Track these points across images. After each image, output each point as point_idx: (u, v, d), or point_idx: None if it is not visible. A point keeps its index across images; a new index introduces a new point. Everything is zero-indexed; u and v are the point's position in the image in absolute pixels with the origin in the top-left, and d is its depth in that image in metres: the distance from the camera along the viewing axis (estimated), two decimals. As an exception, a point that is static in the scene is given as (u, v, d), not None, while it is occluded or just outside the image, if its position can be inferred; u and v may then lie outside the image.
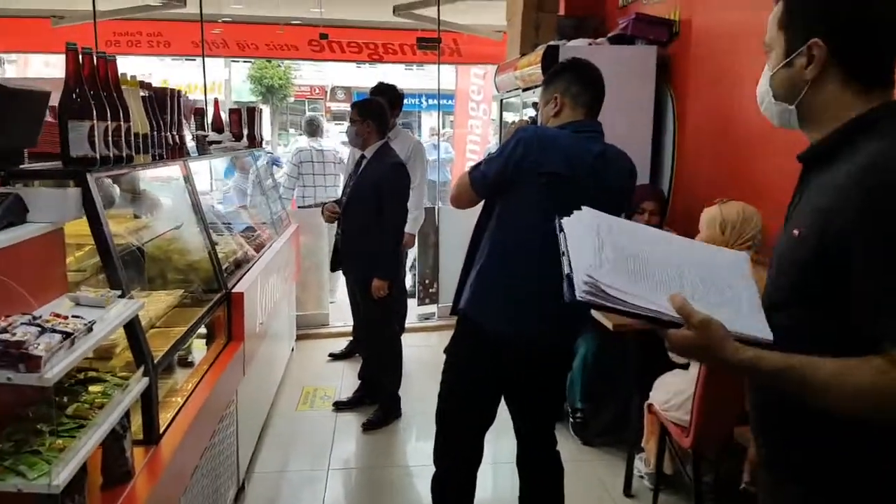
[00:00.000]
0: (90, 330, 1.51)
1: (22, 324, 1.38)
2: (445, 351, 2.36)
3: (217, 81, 15.82)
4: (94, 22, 4.43)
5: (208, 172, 4.44)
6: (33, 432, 1.44)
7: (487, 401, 2.29)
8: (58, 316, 1.50)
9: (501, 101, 4.74)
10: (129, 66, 2.18)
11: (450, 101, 8.46)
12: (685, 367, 2.64)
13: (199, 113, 3.82)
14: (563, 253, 1.09)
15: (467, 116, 8.87)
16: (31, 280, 1.66)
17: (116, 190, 2.91)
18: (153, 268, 2.85)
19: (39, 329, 1.36)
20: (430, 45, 5.18)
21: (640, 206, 3.27)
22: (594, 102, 2.18)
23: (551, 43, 3.58)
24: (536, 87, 3.83)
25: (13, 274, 1.57)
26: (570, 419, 3.42)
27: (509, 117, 4.75)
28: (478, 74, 8.47)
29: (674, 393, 2.60)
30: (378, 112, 3.49)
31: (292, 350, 4.68)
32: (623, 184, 2.21)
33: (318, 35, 5.80)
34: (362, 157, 3.57)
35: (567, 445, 3.34)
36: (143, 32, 5.76)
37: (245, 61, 17.20)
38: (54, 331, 1.38)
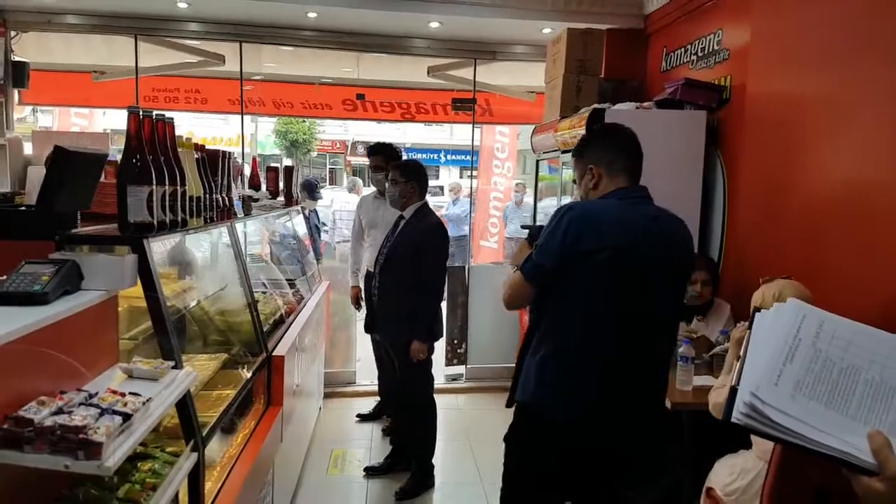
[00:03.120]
0: (148, 408, 1.43)
1: (80, 404, 1.30)
2: (505, 439, 2.15)
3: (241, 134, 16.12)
4: (136, 78, 4.50)
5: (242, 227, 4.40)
6: (84, 520, 1.34)
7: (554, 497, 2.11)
8: (114, 393, 1.42)
9: (538, 161, 4.72)
10: None
11: (464, 157, 8.47)
12: (748, 446, 2.48)
13: (237, 171, 3.84)
14: (740, 357, 0.92)
15: (491, 173, 8.90)
16: (85, 350, 1.59)
17: (163, 251, 2.87)
18: (195, 329, 2.79)
19: (99, 410, 1.28)
20: (466, 106, 5.21)
21: (691, 277, 3.16)
22: (633, 166, 2.04)
23: (597, 106, 3.55)
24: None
25: (67, 343, 1.50)
26: (616, 497, 3.24)
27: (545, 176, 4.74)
28: (503, 132, 8.53)
29: (739, 473, 2.42)
30: (421, 173, 3.48)
31: (320, 409, 4.56)
32: (687, 250, 2.08)
33: (355, 95, 5.87)
34: (400, 216, 3.52)
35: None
36: (181, 89, 5.87)
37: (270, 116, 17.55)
38: (114, 412, 1.30)
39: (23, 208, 1.84)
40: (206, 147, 2.42)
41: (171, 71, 5.38)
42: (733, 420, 0.85)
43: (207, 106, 5.95)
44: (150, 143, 1.82)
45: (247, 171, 4.05)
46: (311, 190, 6.25)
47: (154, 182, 1.79)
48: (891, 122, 2.45)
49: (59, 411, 1.27)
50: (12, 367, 1.27)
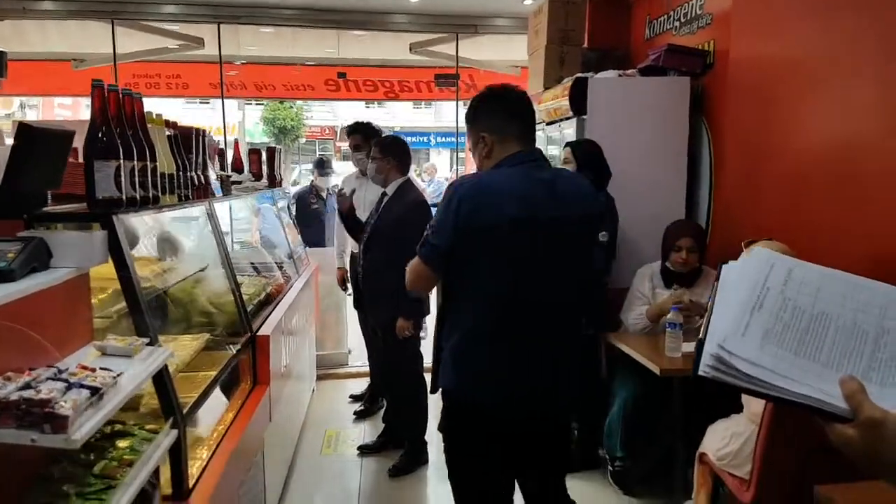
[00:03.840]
0: (119, 383, 1.41)
1: (47, 378, 1.27)
2: (439, 429, 2.08)
3: (231, 123, 16.02)
4: (115, 64, 4.44)
5: (227, 212, 4.37)
6: (59, 495, 1.32)
7: (499, 477, 2.04)
8: (85, 368, 1.39)
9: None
10: (148, 108, 2.15)
11: (454, 139, 8.41)
12: (739, 411, 2.48)
13: (220, 153, 3.80)
14: (707, 310, 0.89)
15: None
16: (56, 328, 1.56)
17: (140, 231, 2.84)
18: (177, 310, 2.76)
19: (66, 384, 1.25)
20: (448, 82, 5.15)
21: (676, 243, 3.14)
22: (525, 130, 1.93)
23: (580, 75, 3.52)
24: (563, 119, 3.77)
25: (37, 321, 1.47)
26: (610, 467, 3.25)
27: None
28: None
29: (731, 437, 2.42)
30: (399, 148, 3.43)
31: (313, 391, 4.56)
32: (593, 209, 1.97)
33: (336, 74, 5.80)
34: (383, 193, 3.49)
35: (606, 495, 3.18)
36: (161, 74, 5.79)
37: (258, 103, 17.41)
38: (82, 386, 1.27)
39: (-10, 188, 1.79)
40: (179, 124, 2.38)
41: (150, 56, 5.31)
42: (700, 373, 0.81)
43: (189, 91, 5.89)
44: (117, 118, 1.78)
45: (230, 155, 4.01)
46: (322, 166, 6.02)
47: (122, 157, 1.75)
48: (873, 82, 2.43)
49: (27, 386, 1.24)
50: (-25, 344, 1.24)
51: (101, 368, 1.42)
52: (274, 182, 4.12)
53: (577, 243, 1.94)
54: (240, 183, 3.66)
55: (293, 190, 5.87)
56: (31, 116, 8.98)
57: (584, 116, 3.50)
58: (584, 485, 3.23)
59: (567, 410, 2.05)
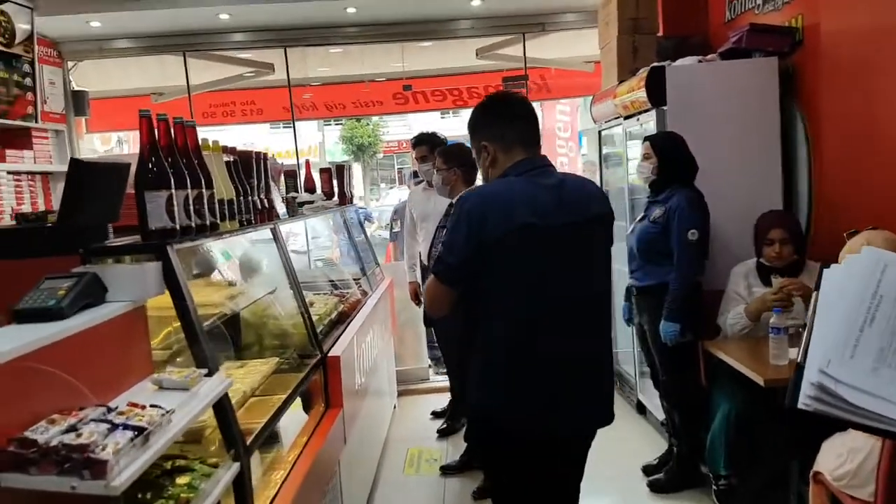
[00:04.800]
0: (169, 420, 1.35)
1: (92, 420, 1.23)
2: (464, 438, 1.99)
3: (312, 145, 16.46)
4: (189, 94, 4.58)
5: (303, 233, 4.41)
6: (110, 542, 1.27)
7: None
8: (134, 406, 1.34)
9: (600, 132, 4.46)
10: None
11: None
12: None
13: (292, 175, 3.82)
14: (805, 326, 0.74)
15: (555, 154, 8.63)
16: (111, 363, 1.53)
17: (214, 258, 2.86)
18: (249, 335, 2.75)
19: (109, 426, 1.20)
20: (518, 84, 5.01)
21: (768, 236, 2.87)
22: (527, 135, 1.84)
23: (655, 64, 3.29)
24: (642, 112, 3.54)
25: (92, 358, 1.44)
26: (714, 486, 2.98)
27: (611, 150, 4.47)
28: (563, 111, 8.23)
29: (848, 454, 2.14)
30: (463, 157, 3.32)
31: (394, 408, 4.49)
32: (602, 209, 1.87)
33: (402, 87, 5.79)
34: (450, 205, 3.38)
35: (710, 516, 2.93)
36: (236, 102, 5.97)
37: (336, 123, 17.84)
38: (126, 426, 1.22)
39: (48, 225, 1.82)
40: (239, 150, 2.37)
41: (224, 85, 5.47)
42: (799, 406, 0.66)
43: (263, 116, 6.03)
44: (167, 147, 1.76)
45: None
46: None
47: (173, 186, 1.73)
48: None
49: (71, 429, 1.20)
50: (22, 386, 1.21)
51: (152, 405, 1.37)
52: (344, 199, 4.11)
53: (593, 246, 1.85)
54: (311, 203, 3.65)
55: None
56: (126, 150, 9.54)
57: (664, 107, 3.28)
58: (685, 505, 3.01)
59: (593, 425, 1.90)
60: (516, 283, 1.74)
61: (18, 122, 4.06)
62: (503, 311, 1.77)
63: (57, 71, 4.38)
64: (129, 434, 1.20)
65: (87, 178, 1.69)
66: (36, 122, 4.14)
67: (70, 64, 4.45)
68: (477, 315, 1.83)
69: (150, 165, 1.69)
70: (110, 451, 1.14)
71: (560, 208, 1.75)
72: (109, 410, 1.31)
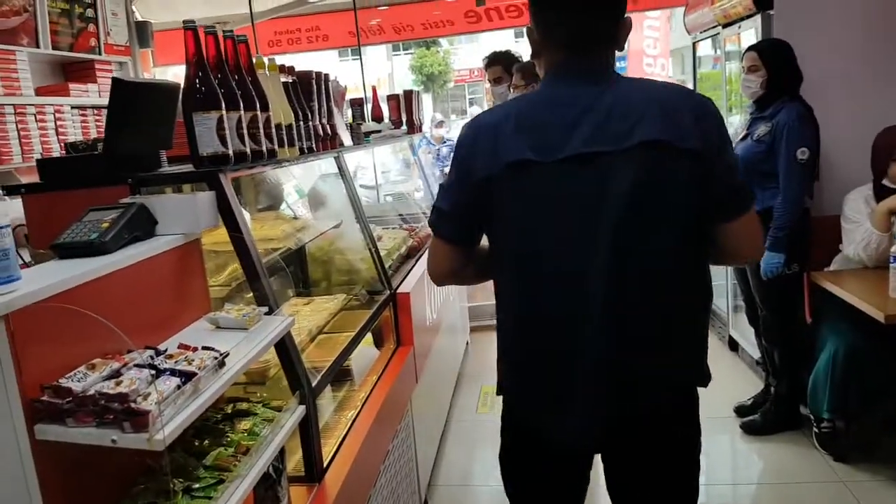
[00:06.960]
0: (222, 364, 1.23)
1: (136, 365, 1.11)
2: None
3: (381, 77, 16.19)
4: (252, 22, 4.41)
5: (371, 166, 4.24)
6: (163, 493, 1.18)
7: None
8: (186, 348, 1.23)
9: (694, 44, 4.01)
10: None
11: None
12: None
13: (359, 103, 3.64)
14: None
15: (644, 76, 8.07)
16: (165, 301, 1.42)
17: (283, 188, 2.74)
18: (316, 270, 2.65)
19: (154, 372, 1.08)
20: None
21: (893, 154, 2.54)
22: (577, 35, 1.27)
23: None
24: (743, 18, 3.14)
25: (142, 296, 1.33)
26: (815, 429, 2.74)
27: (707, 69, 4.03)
28: (652, 26, 7.61)
29: None
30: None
31: (467, 344, 4.39)
32: (672, 132, 1.19)
33: (475, 2, 5.39)
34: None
35: (811, 460, 2.69)
36: (301, 29, 5.75)
37: (405, 52, 17.42)
38: (172, 372, 1.10)
39: (95, 153, 1.70)
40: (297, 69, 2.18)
41: (287, 11, 5.26)
42: None
43: (329, 42, 5.79)
44: (216, 64, 1.59)
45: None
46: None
47: (224, 107, 1.56)
48: None
49: (114, 375, 1.09)
50: (59, 328, 1.10)
51: (205, 347, 1.25)
52: (413, 127, 3.90)
53: (633, 190, 1.20)
54: (378, 132, 3.47)
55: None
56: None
57: (771, 11, 2.89)
58: (783, 448, 2.80)
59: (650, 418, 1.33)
60: (513, 240, 1.31)
61: (82, 55, 4.01)
62: (503, 284, 1.38)
63: (119, 1, 4.29)
64: (176, 381, 1.08)
65: (131, 100, 1.55)
66: (99, 54, 4.08)
67: (132, -6, 4.36)
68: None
69: (198, 84, 1.52)
70: (153, 400, 1.02)
71: (579, 133, 1.21)
72: (158, 354, 1.19)
